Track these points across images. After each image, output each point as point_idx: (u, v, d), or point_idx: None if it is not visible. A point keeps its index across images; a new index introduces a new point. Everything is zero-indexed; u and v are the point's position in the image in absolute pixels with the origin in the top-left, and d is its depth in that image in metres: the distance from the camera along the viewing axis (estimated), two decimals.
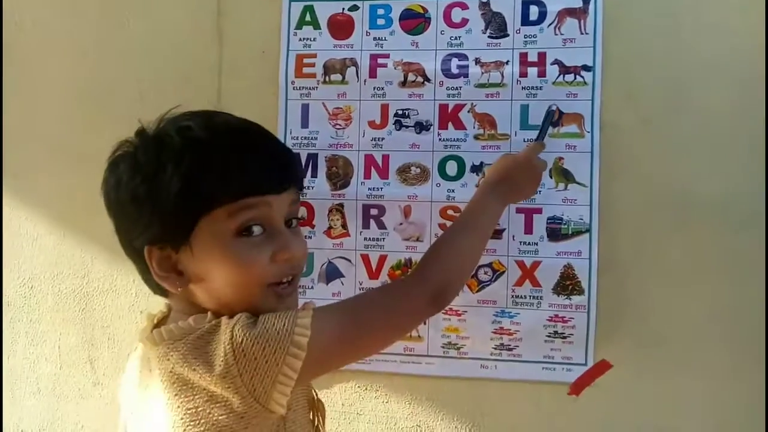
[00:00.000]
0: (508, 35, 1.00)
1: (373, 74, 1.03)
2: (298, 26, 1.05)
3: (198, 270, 0.66)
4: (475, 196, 0.87)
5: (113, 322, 1.11)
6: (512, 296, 1.00)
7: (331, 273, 1.04)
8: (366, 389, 1.04)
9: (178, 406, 0.62)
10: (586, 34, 0.98)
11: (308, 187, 1.04)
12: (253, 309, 0.66)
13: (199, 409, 0.61)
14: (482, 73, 1.00)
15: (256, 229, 0.66)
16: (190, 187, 0.63)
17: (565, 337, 0.98)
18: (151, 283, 0.69)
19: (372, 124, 1.03)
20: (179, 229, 0.64)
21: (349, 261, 1.03)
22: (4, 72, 1.11)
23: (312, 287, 1.04)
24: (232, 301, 0.66)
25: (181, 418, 0.62)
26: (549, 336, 0.99)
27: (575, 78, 0.98)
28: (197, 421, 0.61)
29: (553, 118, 0.98)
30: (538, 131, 0.95)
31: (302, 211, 1.04)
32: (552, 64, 0.99)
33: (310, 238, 1.04)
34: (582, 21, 0.98)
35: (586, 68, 0.98)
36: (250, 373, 0.60)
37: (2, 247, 1.13)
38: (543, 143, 0.94)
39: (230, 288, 0.66)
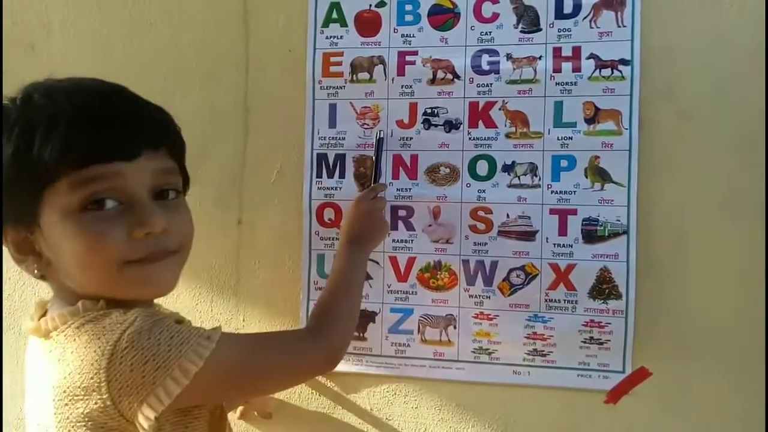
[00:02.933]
0: (540, 29, 0.97)
1: (401, 72, 1.00)
2: (325, 24, 1.03)
3: (49, 251, 0.62)
4: (339, 256, 0.90)
5: None
6: (546, 300, 0.96)
7: None
8: (395, 394, 1.02)
9: (54, 411, 0.59)
10: (624, 26, 0.94)
11: (336, 188, 1.02)
12: (111, 290, 0.62)
13: (70, 414, 0.58)
14: (514, 69, 0.97)
15: (109, 203, 0.61)
16: (24, 157, 0.58)
17: (601, 343, 0.95)
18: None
19: (400, 124, 1.01)
20: (25, 206, 0.60)
21: (377, 263, 1.01)
22: (33, 74, 1.11)
23: None
24: (84, 283, 0.62)
25: (58, 422, 0.58)
26: (584, 342, 0.95)
27: (612, 72, 0.94)
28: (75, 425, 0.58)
29: (382, 146, 0.99)
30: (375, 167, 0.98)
31: (329, 213, 1.02)
32: (587, 58, 0.95)
33: (338, 239, 1.02)
34: (619, 13, 0.94)
35: (623, 62, 0.94)
36: (119, 383, 0.56)
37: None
38: (375, 186, 0.97)
39: (79, 268, 0.61)
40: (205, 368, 0.59)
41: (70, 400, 0.58)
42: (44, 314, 0.66)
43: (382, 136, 0.99)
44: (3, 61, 1.11)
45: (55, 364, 0.59)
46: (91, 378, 0.56)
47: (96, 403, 0.56)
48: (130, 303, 0.63)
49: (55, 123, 0.58)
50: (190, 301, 1.06)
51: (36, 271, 0.63)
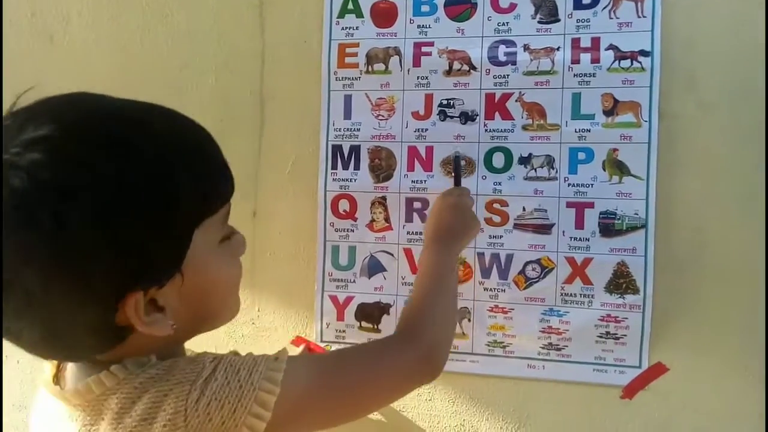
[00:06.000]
0: (559, 20, 0.95)
1: (417, 63, 1.00)
2: (341, 15, 1.02)
3: (189, 295, 0.55)
4: (427, 254, 0.84)
5: None
6: (561, 294, 0.95)
7: (373, 267, 1.02)
8: None
9: None
10: (644, 17, 0.93)
11: (351, 179, 1.02)
12: (223, 318, 0.62)
13: None
14: (531, 60, 0.96)
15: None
16: (196, 192, 0.52)
17: (617, 338, 0.94)
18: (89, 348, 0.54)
19: (416, 115, 1.00)
20: (177, 252, 0.52)
21: (392, 255, 1.01)
22: (52, 64, 1.12)
23: (354, 281, 1.02)
24: (220, 312, 0.61)
25: None
26: (600, 336, 0.94)
27: (632, 64, 0.93)
28: None
29: (462, 163, 0.96)
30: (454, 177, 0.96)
31: (344, 204, 1.03)
32: (606, 49, 0.93)
33: (353, 231, 1.02)
34: (639, 3, 0.93)
35: (643, 53, 0.92)
36: None
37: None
38: (460, 187, 0.94)
39: (225, 298, 0.60)
40: (283, 394, 0.54)
41: None
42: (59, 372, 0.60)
43: (458, 154, 0.97)
44: (23, 52, 1.12)
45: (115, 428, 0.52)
46: None
47: None
48: (168, 353, 0.57)
49: (199, 155, 0.55)
50: None
51: (174, 326, 0.54)
